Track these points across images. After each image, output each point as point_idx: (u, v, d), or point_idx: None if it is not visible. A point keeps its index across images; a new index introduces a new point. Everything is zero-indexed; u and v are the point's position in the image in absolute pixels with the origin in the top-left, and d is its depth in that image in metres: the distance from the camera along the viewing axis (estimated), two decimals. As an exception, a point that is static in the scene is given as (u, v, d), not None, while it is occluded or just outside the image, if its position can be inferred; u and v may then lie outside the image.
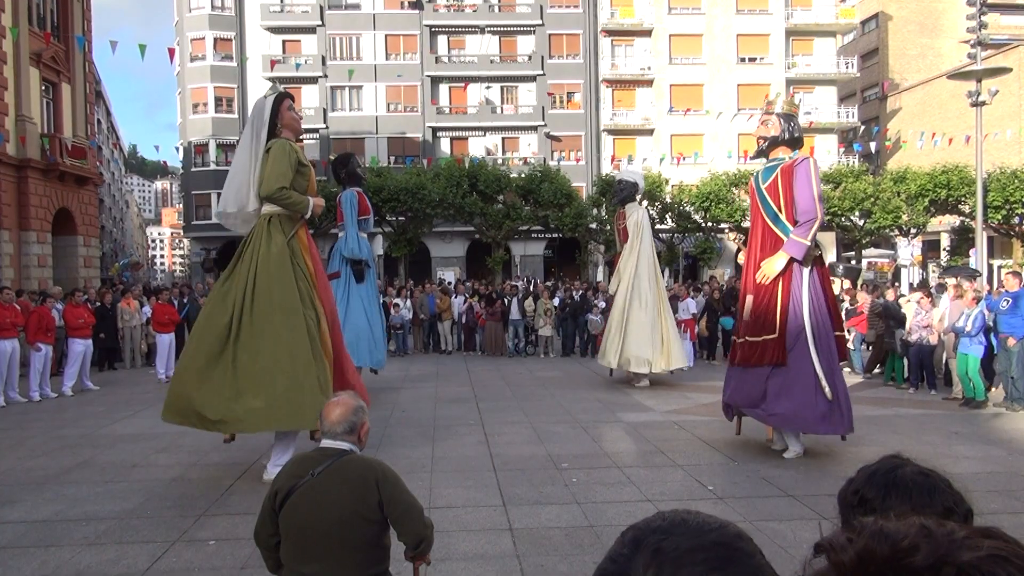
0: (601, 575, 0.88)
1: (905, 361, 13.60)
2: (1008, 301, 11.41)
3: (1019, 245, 32.04)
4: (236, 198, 8.05)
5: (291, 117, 8.30)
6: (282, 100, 8.29)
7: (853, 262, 34.15)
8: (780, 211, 8.49)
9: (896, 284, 18.87)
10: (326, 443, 3.07)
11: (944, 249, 35.39)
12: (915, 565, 0.77)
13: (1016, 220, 31.23)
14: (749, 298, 8.68)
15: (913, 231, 32.52)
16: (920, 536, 0.79)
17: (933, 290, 16.10)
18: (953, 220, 33.50)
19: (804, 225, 8.30)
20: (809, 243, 8.30)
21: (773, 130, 8.70)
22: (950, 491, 1.41)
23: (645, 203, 15.49)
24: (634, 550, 0.86)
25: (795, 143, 8.79)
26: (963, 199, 31.10)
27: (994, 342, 12.05)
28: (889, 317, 13.92)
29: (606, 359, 13.84)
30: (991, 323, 11.90)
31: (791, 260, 8.34)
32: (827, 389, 8.10)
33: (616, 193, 14.79)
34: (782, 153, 8.75)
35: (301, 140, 8.83)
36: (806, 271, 8.41)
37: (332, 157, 16.99)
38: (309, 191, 8.28)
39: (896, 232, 32.88)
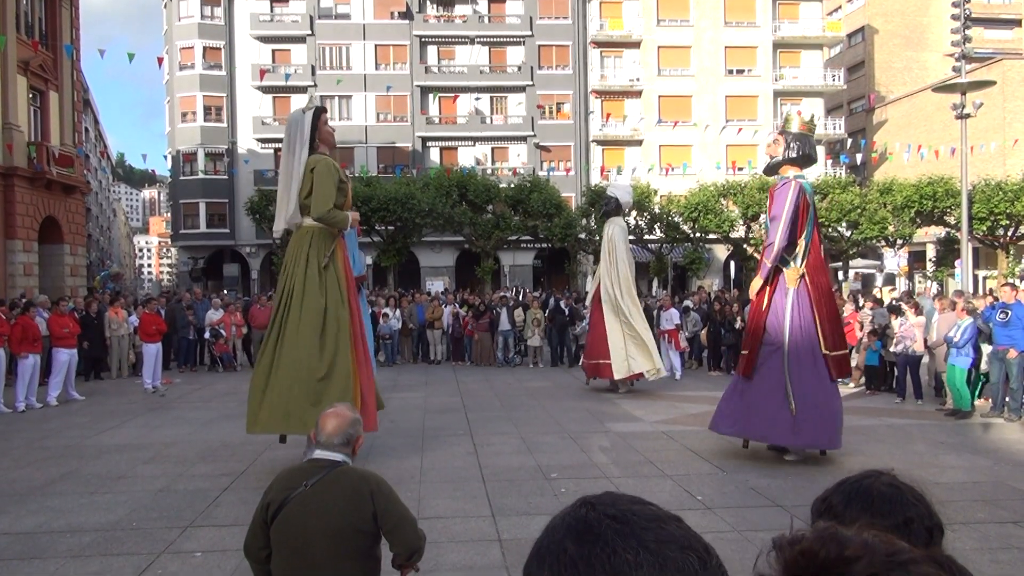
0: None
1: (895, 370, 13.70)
2: (1006, 313, 11.28)
3: (1004, 256, 32.32)
4: (287, 218, 8.29)
5: (327, 132, 8.43)
6: (320, 115, 8.39)
7: (840, 274, 34.44)
8: None
9: (868, 293, 18.92)
10: (319, 454, 3.04)
11: (930, 260, 35.67)
12: (850, 574, 0.79)
13: (1001, 231, 31.54)
14: (746, 310, 8.97)
15: (899, 242, 32.79)
16: (862, 549, 0.81)
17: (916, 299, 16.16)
18: (939, 231, 33.80)
19: (766, 248, 8.71)
20: (771, 265, 8.58)
21: (775, 150, 8.94)
22: (918, 504, 1.43)
23: (626, 217, 15.68)
24: (539, 566, 0.89)
25: (805, 161, 8.90)
26: (949, 210, 31.36)
27: (983, 352, 12.10)
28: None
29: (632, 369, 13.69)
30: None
31: (777, 278, 8.63)
32: (793, 405, 8.18)
33: (601, 207, 15.14)
34: (790, 171, 8.88)
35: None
36: (792, 288, 8.57)
37: None
38: (346, 206, 8.52)
39: (883, 243, 33.12)
